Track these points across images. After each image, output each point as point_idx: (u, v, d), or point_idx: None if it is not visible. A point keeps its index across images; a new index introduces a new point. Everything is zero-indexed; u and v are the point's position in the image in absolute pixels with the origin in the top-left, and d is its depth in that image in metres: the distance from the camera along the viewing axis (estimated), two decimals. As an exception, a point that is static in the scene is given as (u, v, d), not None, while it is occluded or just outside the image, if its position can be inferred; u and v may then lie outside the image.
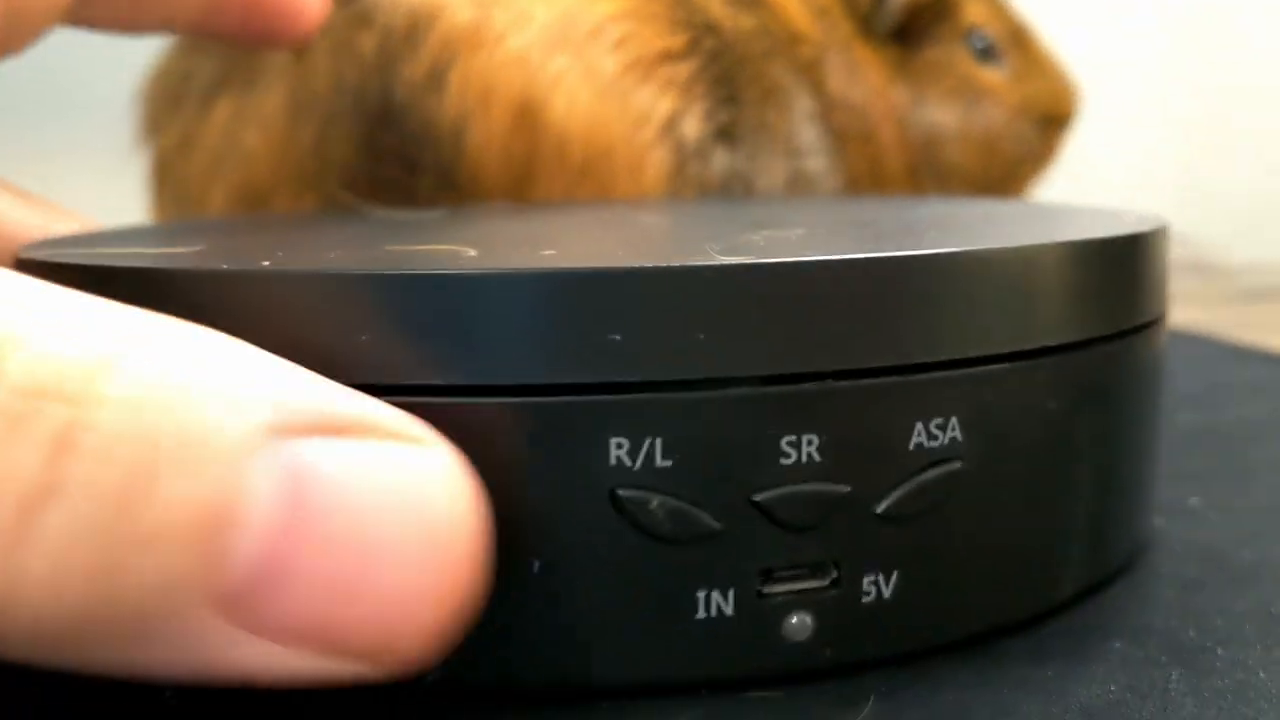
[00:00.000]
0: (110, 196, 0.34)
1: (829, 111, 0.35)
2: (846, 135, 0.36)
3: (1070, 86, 0.43)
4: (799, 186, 0.34)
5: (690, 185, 0.30)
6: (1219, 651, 0.15)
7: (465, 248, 0.16)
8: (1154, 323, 0.18)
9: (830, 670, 0.15)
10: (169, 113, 0.32)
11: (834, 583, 0.14)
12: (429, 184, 0.29)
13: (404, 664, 0.12)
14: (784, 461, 0.14)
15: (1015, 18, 0.42)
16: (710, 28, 0.32)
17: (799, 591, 0.14)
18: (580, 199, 0.29)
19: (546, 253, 0.16)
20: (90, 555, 0.11)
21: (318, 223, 0.23)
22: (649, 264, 0.13)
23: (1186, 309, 0.44)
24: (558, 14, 0.29)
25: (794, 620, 0.14)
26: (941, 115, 0.38)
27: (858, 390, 0.14)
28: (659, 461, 0.14)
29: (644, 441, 0.14)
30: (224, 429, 0.11)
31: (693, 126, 0.30)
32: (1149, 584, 0.18)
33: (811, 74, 0.35)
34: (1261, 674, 0.15)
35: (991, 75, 0.40)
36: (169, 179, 0.32)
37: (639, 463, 0.14)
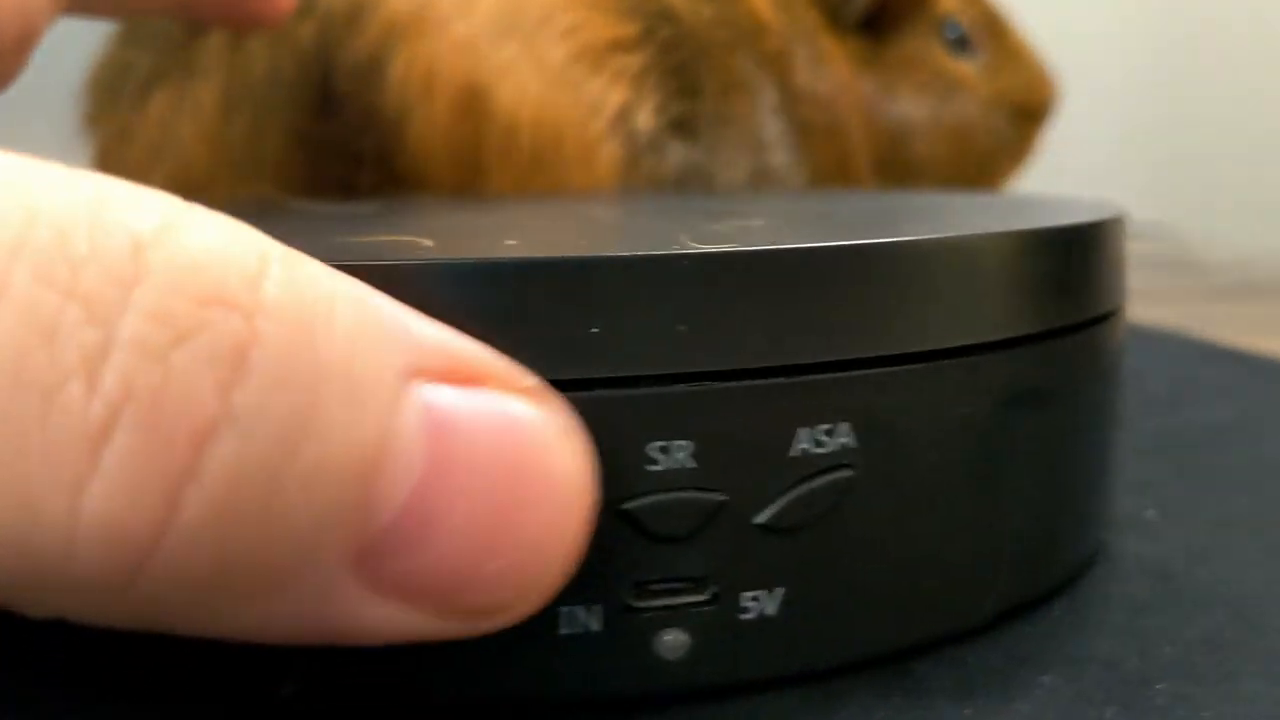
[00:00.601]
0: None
1: (794, 105, 0.34)
2: (813, 129, 0.35)
3: (1047, 78, 0.42)
4: (763, 181, 0.33)
5: (643, 178, 0.29)
6: (1162, 686, 0.14)
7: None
8: (1098, 321, 0.17)
9: (709, 693, 0.14)
10: (109, 104, 0.31)
11: (712, 598, 0.13)
12: (370, 177, 0.28)
13: (517, 619, 0.11)
14: (653, 468, 0.13)
15: (990, 7, 0.41)
16: (666, 17, 0.31)
17: (673, 607, 0.13)
18: (531, 191, 0.28)
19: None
20: (254, 495, 0.09)
21: (248, 216, 0.22)
22: (486, 257, 0.12)
23: (1162, 305, 0.43)
24: (505, 0, 0.28)
25: (668, 638, 0.13)
26: (912, 108, 0.37)
27: (733, 392, 0.13)
28: (519, 468, 0.13)
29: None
30: (379, 361, 0.10)
31: (645, 119, 0.29)
32: (1092, 606, 0.16)
33: (776, 66, 0.34)
34: (1206, 715, 0.13)
35: (964, 67, 0.39)
36: (110, 171, 0.31)
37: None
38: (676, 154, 0.30)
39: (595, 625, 0.13)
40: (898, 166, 0.37)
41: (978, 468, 0.15)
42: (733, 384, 0.13)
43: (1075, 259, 0.16)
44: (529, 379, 0.11)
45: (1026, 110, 0.41)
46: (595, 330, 0.13)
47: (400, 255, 0.13)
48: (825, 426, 0.13)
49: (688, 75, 0.31)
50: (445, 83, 0.27)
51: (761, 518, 0.13)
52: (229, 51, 0.28)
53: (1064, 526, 0.17)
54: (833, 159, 0.35)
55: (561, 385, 0.13)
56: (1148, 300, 0.44)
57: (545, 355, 0.12)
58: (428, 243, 0.14)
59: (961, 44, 0.39)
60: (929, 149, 0.37)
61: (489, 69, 0.28)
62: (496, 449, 0.11)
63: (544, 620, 0.13)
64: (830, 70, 0.35)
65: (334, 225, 0.19)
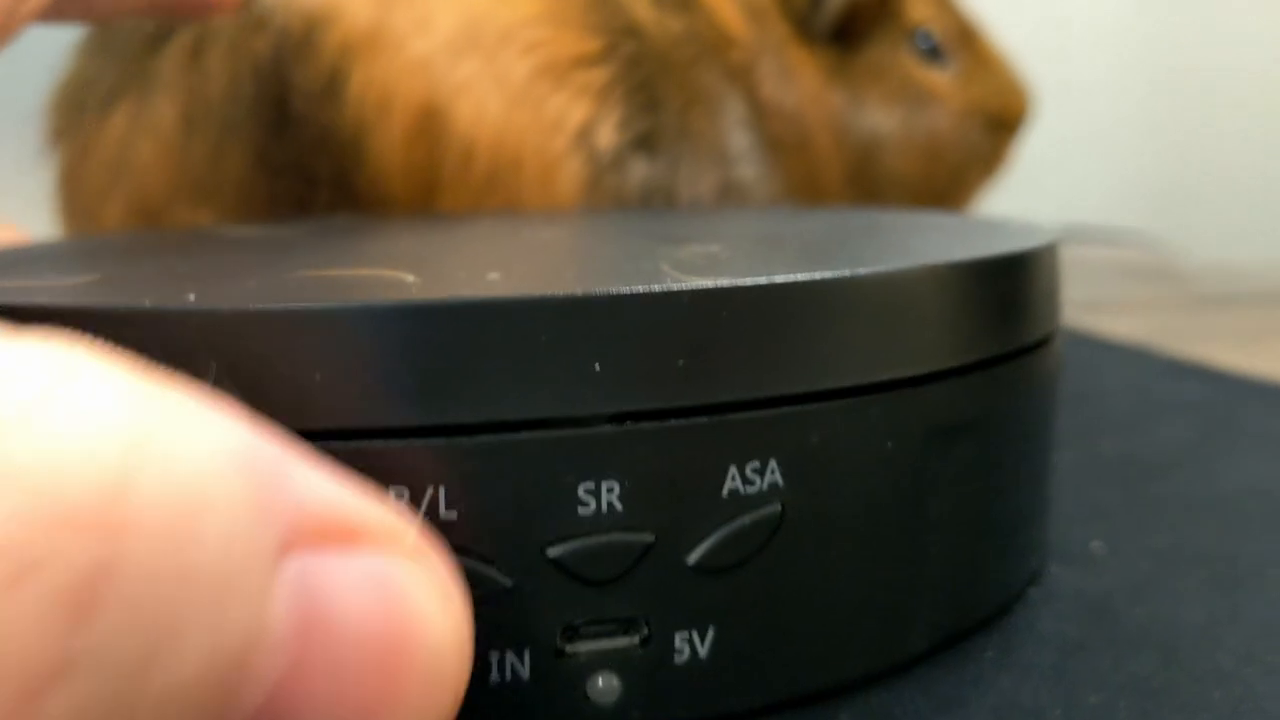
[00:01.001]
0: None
1: (762, 118, 0.34)
2: (781, 142, 0.35)
3: (1022, 88, 0.42)
4: (730, 195, 0.33)
5: (606, 196, 0.29)
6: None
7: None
8: (1028, 350, 0.16)
9: (641, 736, 0.13)
10: (73, 120, 0.31)
11: (643, 641, 0.13)
12: (326, 197, 0.28)
13: None
14: (581, 511, 0.13)
15: (964, 15, 0.41)
16: (631, 31, 0.31)
17: (604, 651, 0.13)
18: (487, 210, 0.28)
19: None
20: None
21: (198, 245, 0.22)
22: (409, 300, 0.12)
23: (1138, 316, 0.42)
24: (465, 17, 0.28)
25: (599, 683, 0.13)
26: (882, 120, 0.37)
27: (660, 432, 0.13)
28: (442, 513, 0.12)
29: (425, 491, 0.12)
30: (253, 548, 0.09)
31: (607, 135, 0.29)
32: (1023, 646, 0.16)
33: (744, 79, 0.34)
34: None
35: (937, 77, 0.39)
36: (72, 189, 0.31)
37: (419, 515, 0.12)
38: (638, 171, 0.30)
39: (524, 673, 0.13)
40: (869, 179, 0.37)
41: (907, 501, 0.15)
42: (660, 424, 0.13)
43: (1001, 290, 0.16)
44: (410, 534, 0.10)
45: (1000, 120, 0.40)
46: (520, 372, 0.12)
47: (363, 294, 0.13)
48: (754, 464, 0.13)
49: (651, 90, 0.31)
50: (402, 102, 0.27)
51: (692, 558, 0.13)
52: (187, 66, 0.28)
53: (996, 558, 0.16)
54: (802, 172, 0.35)
55: (487, 428, 0.12)
56: (1123, 311, 0.44)
57: (471, 397, 0.12)
58: (410, 278, 0.14)
59: (934, 54, 0.39)
60: (900, 161, 0.37)
61: (447, 87, 0.27)
62: (371, 622, 0.10)
63: (473, 669, 0.13)
64: (799, 82, 0.35)
65: (302, 254, 0.18)
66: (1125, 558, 0.19)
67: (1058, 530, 0.19)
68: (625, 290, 0.12)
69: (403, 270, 0.15)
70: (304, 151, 0.28)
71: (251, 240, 0.21)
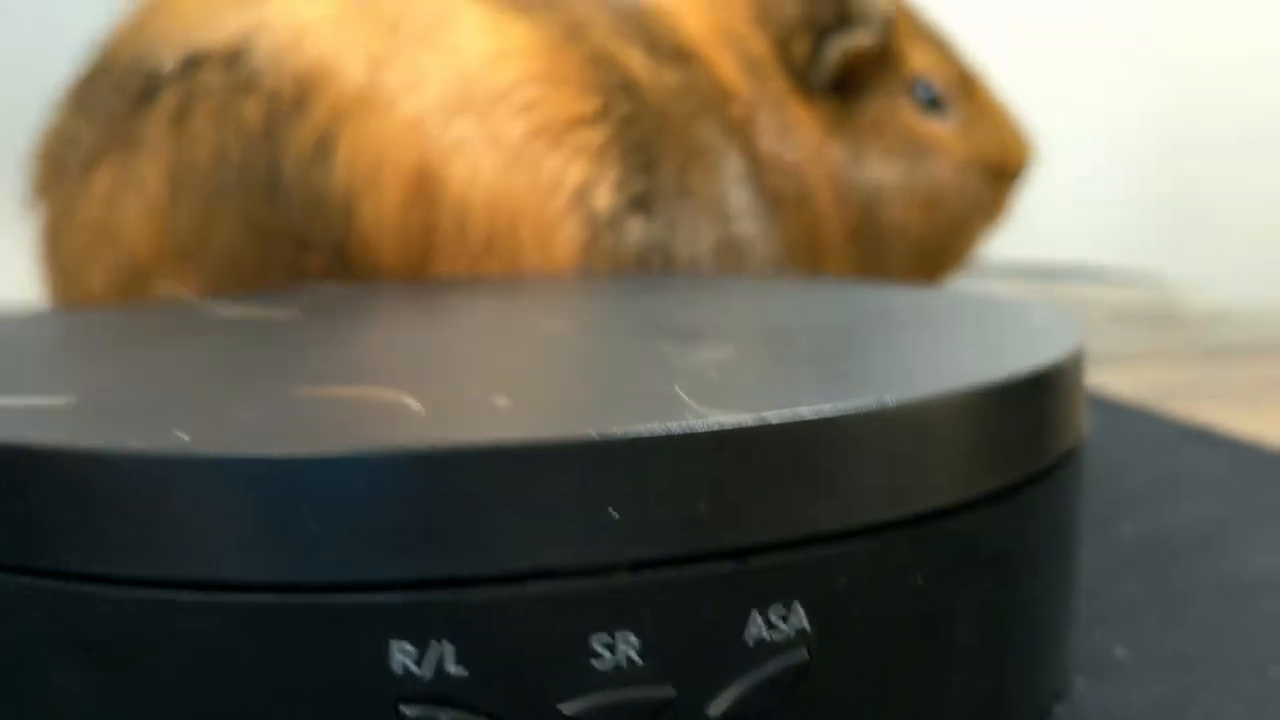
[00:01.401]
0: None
1: (761, 173, 0.33)
2: (781, 198, 0.34)
3: (1022, 136, 0.41)
4: (729, 253, 0.32)
5: (603, 258, 0.28)
6: None
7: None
8: (1055, 467, 0.16)
9: None
10: (55, 178, 0.30)
11: (662, 798, 0.12)
12: (319, 262, 0.27)
13: None
14: (596, 664, 0.12)
15: (964, 64, 0.40)
16: (627, 88, 0.30)
17: (620, 809, 0.12)
18: (484, 273, 0.27)
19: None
20: None
21: (182, 334, 0.20)
22: (417, 448, 0.11)
23: (1147, 368, 0.42)
24: (458, 76, 0.27)
25: (616, 841, 0.12)
26: (883, 172, 0.36)
27: (680, 579, 0.12)
28: (451, 669, 0.12)
29: (432, 646, 0.12)
30: None
31: (604, 196, 0.29)
32: None
33: (742, 133, 0.33)
34: None
35: (937, 127, 0.38)
36: (55, 248, 0.30)
37: (427, 671, 0.12)
38: (635, 231, 0.29)
39: (535, 834, 0.12)
40: (870, 232, 0.36)
41: (934, 634, 0.14)
42: (680, 570, 0.12)
43: (1033, 409, 0.15)
44: None
45: (1001, 170, 0.40)
46: (533, 519, 0.12)
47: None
48: (779, 609, 0.12)
49: (648, 149, 0.30)
50: (394, 164, 0.26)
51: (715, 709, 0.12)
52: (173, 129, 0.27)
53: (1023, 680, 0.16)
54: (803, 228, 0.35)
55: (497, 579, 0.12)
56: (1130, 363, 0.44)
57: (481, 547, 0.12)
58: (412, 402, 0.13)
59: (935, 104, 0.38)
60: (902, 213, 0.37)
61: (440, 149, 0.27)
62: None
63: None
64: (799, 136, 0.34)
65: (296, 351, 0.18)
66: (1150, 666, 0.18)
67: (1081, 635, 0.19)
68: (644, 433, 0.12)
69: (402, 384, 0.14)
70: (295, 216, 0.27)
71: (240, 326, 0.20)
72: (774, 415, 0.12)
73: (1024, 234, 0.50)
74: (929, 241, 0.38)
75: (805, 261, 0.35)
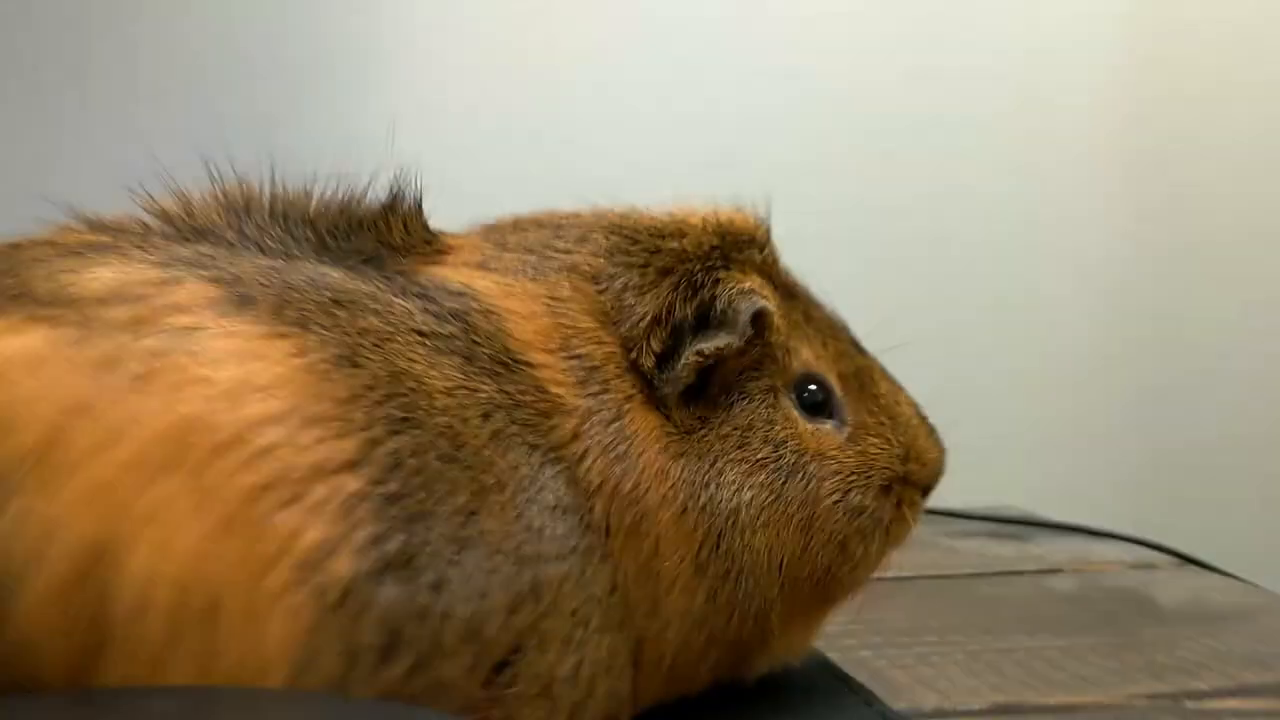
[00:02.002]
0: None
1: (587, 499, 0.29)
2: (612, 528, 0.29)
3: (932, 440, 0.36)
4: (539, 597, 0.27)
5: (334, 642, 0.23)
6: None
7: None
8: None
9: None
10: None
11: None
12: None
13: None
14: None
15: (863, 356, 0.36)
16: (409, 417, 0.26)
17: None
18: (169, 676, 0.22)
19: None
20: None
21: None
22: None
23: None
24: (171, 424, 0.23)
25: None
26: (745, 490, 0.31)
27: None
28: None
29: None
30: None
31: (345, 562, 0.24)
32: None
33: (565, 453, 0.28)
34: None
35: (823, 434, 0.33)
36: None
37: None
38: (387, 598, 0.24)
39: None
40: (727, 558, 0.31)
41: None
42: None
43: None
44: None
45: (904, 480, 0.35)
46: None
47: None
48: None
49: (424, 490, 0.25)
50: (65, 539, 0.22)
51: None
52: None
53: None
54: (639, 560, 0.29)
55: None
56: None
57: None
58: None
59: (821, 407, 0.34)
60: (767, 537, 0.31)
61: (130, 516, 0.22)
62: None
63: None
64: (639, 454, 0.30)
65: None
66: None
67: None
68: None
69: None
70: None
71: None
72: None
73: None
74: (805, 570, 0.32)
75: (644, 599, 0.30)
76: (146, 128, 0.61)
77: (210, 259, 0.28)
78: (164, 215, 0.30)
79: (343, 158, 0.33)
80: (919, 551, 0.56)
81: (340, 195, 0.32)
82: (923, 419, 0.36)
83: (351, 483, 0.24)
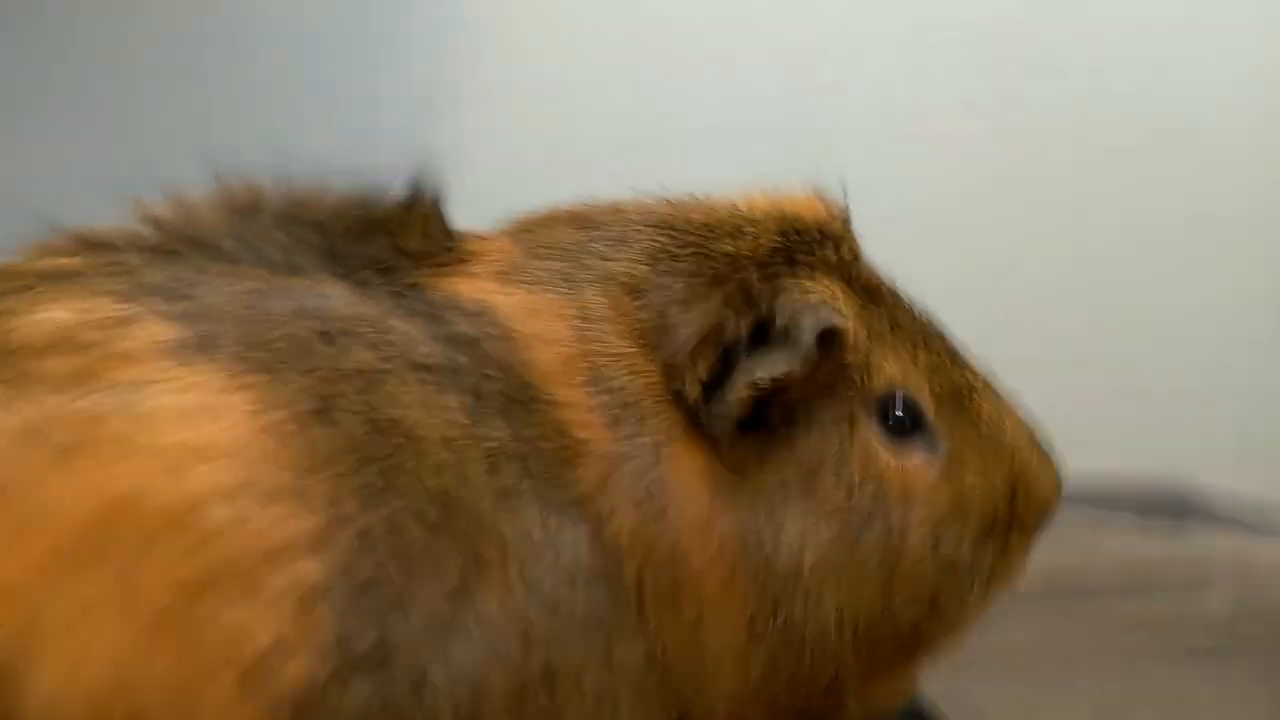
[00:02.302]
0: None
1: (615, 565, 0.24)
2: (647, 596, 0.25)
3: (1048, 466, 0.30)
4: (555, 684, 0.23)
5: None
6: None
7: None
8: None
9: None
10: None
11: None
12: None
13: None
14: None
15: (964, 368, 0.30)
16: (389, 480, 0.22)
17: None
18: None
19: None
20: None
21: None
22: None
23: None
24: (97, 509, 0.20)
25: None
26: (810, 551, 0.26)
27: None
28: None
29: None
30: None
31: (304, 666, 0.20)
32: None
33: (590, 507, 0.24)
34: None
35: (911, 463, 0.28)
36: None
37: None
38: (357, 704, 0.21)
39: None
40: (786, 629, 0.26)
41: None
42: None
43: None
44: None
45: (1009, 520, 0.29)
46: None
47: None
48: None
49: (404, 574, 0.22)
50: None
51: None
52: None
53: None
54: (680, 633, 0.25)
55: None
56: None
57: None
58: None
59: (910, 428, 0.28)
60: (839, 600, 0.27)
61: (39, 625, 0.19)
62: None
63: None
64: (680, 507, 0.25)
65: None
66: None
67: None
68: None
69: None
70: None
71: None
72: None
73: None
74: (887, 631, 0.27)
75: (689, 674, 0.26)
76: (145, 124, 0.58)
77: (183, 285, 0.24)
78: (158, 223, 0.27)
79: (362, 151, 0.29)
80: (1049, 552, 0.50)
81: (355, 195, 0.28)
82: (1034, 442, 0.30)
83: (313, 570, 0.21)
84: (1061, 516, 0.54)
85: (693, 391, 0.26)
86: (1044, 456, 0.30)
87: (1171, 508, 0.57)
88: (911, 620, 0.28)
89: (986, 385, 0.30)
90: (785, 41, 0.64)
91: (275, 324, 0.23)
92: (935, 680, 0.34)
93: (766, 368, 0.26)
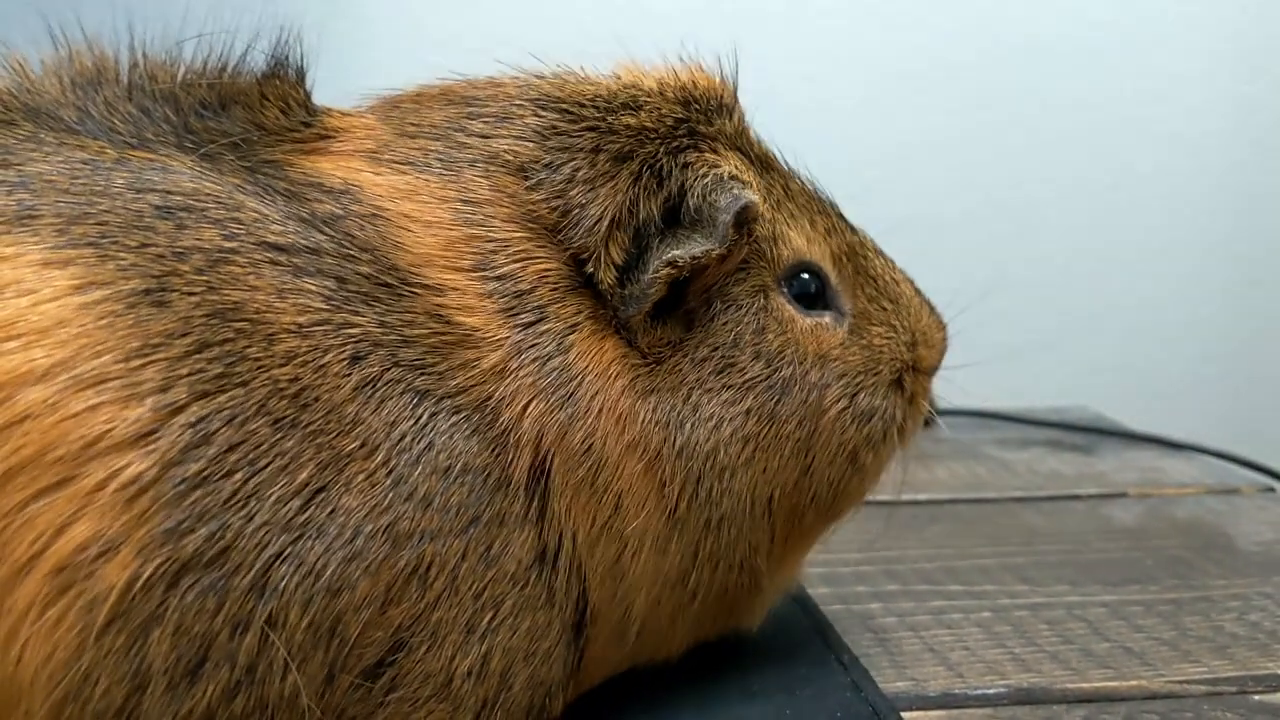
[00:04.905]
0: None
1: (504, 452, 0.22)
2: (554, 487, 0.23)
3: (934, 316, 0.30)
4: (427, 581, 0.21)
5: (113, 666, 0.18)
6: None
7: None
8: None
9: None
10: None
11: None
12: None
13: None
14: None
15: (852, 232, 0.29)
16: (228, 374, 0.20)
17: None
18: None
19: None
20: None
21: None
22: None
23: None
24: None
25: None
26: (727, 425, 0.25)
27: None
28: None
29: None
30: None
31: (125, 564, 0.18)
32: None
33: (473, 399, 0.22)
34: None
35: (822, 331, 0.27)
36: None
37: None
38: (187, 605, 0.19)
39: None
40: (705, 507, 0.25)
41: None
42: None
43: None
44: None
45: (914, 367, 0.29)
46: None
47: None
48: None
49: (244, 469, 0.20)
50: None
51: None
52: None
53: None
54: (595, 524, 0.24)
55: None
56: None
57: None
58: None
59: (815, 297, 0.27)
60: (755, 472, 0.26)
61: None
62: None
63: None
64: (591, 396, 0.24)
65: None
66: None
67: None
68: None
69: None
70: None
71: None
72: None
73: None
74: (806, 496, 0.27)
75: (601, 564, 0.24)
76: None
77: (5, 153, 0.22)
78: (-8, 90, 0.24)
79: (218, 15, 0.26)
80: (964, 464, 0.50)
81: (211, 66, 0.25)
82: (921, 295, 0.30)
83: (138, 463, 0.19)
84: (979, 433, 0.54)
85: (606, 277, 0.24)
86: (931, 307, 0.30)
87: (1086, 432, 0.56)
88: (832, 480, 0.27)
89: (875, 246, 0.30)
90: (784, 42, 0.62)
91: (106, 197, 0.21)
92: (840, 602, 0.33)
93: (685, 248, 0.24)
